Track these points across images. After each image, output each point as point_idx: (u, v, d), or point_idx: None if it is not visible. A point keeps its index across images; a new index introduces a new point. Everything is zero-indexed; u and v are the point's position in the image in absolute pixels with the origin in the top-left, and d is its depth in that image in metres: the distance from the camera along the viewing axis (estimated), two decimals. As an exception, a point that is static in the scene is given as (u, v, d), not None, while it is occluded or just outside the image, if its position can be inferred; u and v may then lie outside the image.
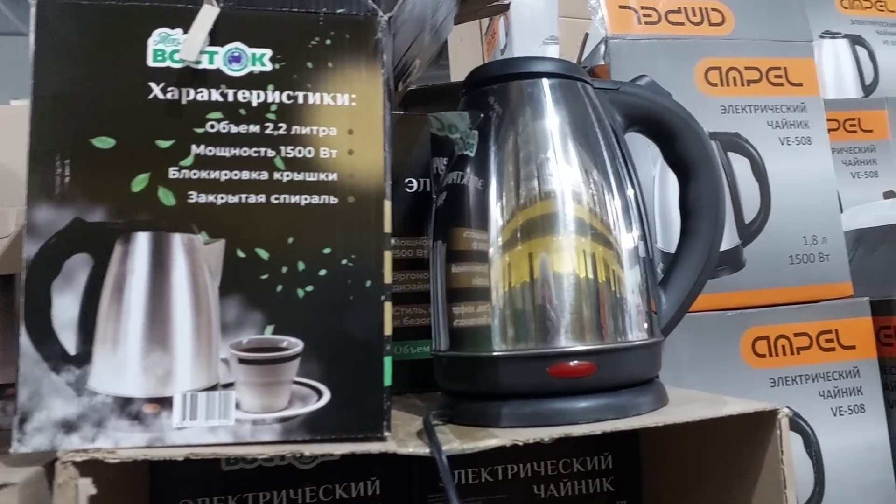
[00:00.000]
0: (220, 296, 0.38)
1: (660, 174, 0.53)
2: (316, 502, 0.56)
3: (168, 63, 0.39)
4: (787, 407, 0.58)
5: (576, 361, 0.42)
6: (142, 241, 0.38)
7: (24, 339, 0.36)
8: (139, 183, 0.38)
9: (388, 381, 0.39)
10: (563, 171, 0.46)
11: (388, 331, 0.39)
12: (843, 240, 0.63)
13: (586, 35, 0.64)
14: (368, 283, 0.39)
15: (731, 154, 0.61)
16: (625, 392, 0.44)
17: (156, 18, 0.39)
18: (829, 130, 0.82)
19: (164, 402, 0.37)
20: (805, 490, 0.58)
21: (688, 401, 0.47)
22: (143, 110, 0.38)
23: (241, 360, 0.38)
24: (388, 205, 0.40)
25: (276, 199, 0.39)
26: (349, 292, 0.39)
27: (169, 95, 0.39)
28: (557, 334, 0.42)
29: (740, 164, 0.61)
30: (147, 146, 0.38)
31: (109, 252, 0.38)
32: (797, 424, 0.58)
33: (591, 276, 0.44)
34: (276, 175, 0.39)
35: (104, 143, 0.38)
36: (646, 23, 0.61)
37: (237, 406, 0.38)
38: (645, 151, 0.57)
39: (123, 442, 0.37)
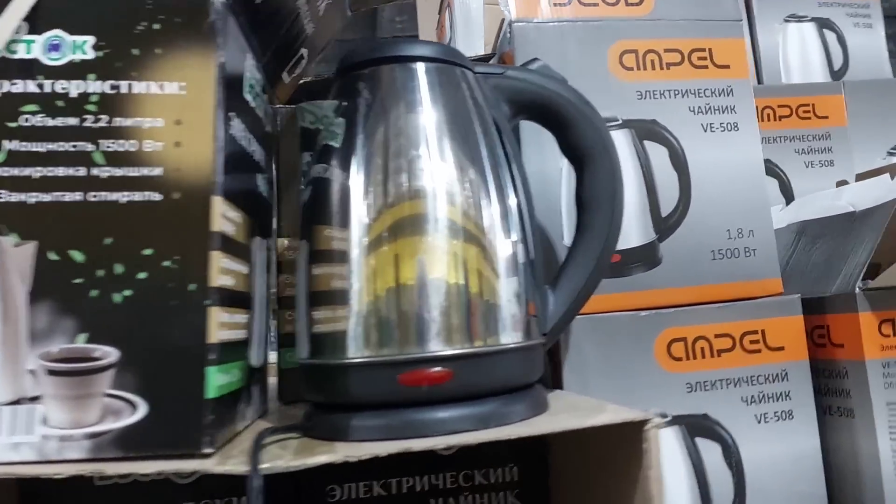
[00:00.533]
0: (29, 302, 0.35)
1: (568, 164, 0.49)
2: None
3: (-23, 52, 0.36)
4: (705, 414, 0.55)
5: (431, 368, 0.39)
6: (-57, 244, 0.35)
7: None
8: (-59, 181, 0.35)
9: (211, 392, 0.36)
10: (434, 166, 0.42)
11: (212, 338, 0.36)
12: (773, 233, 0.58)
13: (502, 21, 0.60)
14: (192, 287, 0.36)
15: (647, 143, 0.57)
16: (491, 401, 0.41)
17: (-38, 4, 0.36)
18: (782, 117, 0.79)
19: (-35, 417, 0.35)
20: (725, 502, 0.54)
21: (569, 409, 0.44)
22: (-53, 103, 0.36)
23: (50, 372, 0.35)
24: (217, 201, 0.37)
25: (94, 196, 0.36)
26: (171, 297, 0.36)
27: (-24, 88, 0.36)
28: (410, 340, 0.39)
29: (658, 153, 0.58)
30: (-49, 141, 0.35)
31: None
32: (714, 433, 0.55)
33: (452, 278, 0.40)
34: (95, 171, 0.36)
35: None
36: (555, 4, 0.57)
37: (44, 421, 0.35)
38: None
39: (-77, 458, 0.34)
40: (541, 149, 0.55)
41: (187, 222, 0.36)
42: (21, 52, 0.36)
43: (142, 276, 0.36)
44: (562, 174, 0.56)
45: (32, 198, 0.36)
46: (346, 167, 0.42)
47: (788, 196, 0.78)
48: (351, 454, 0.35)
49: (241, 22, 0.41)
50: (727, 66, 0.60)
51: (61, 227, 0.36)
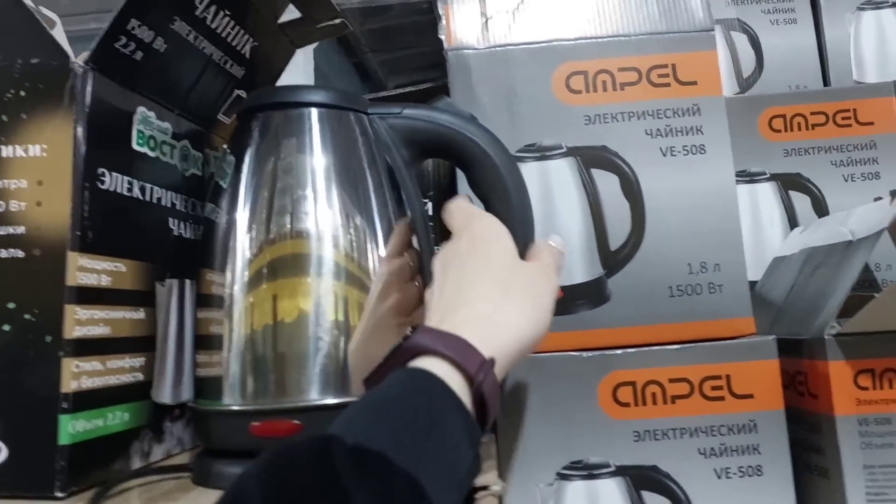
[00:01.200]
0: None
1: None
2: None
3: None
4: (654, 465, 0.50)
5: (282, 419, 0.39)
6: None
7: None
8: None
9: (63, 439, 0.38)
10: (317, 208, 0.42)
11: (65, 388, 0.38)
12: (744, 267, 0.52)
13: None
14: (49, 339, 0.39)
15: (595, 171, 0.53)
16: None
17: None
18: (815, 126, 0.70)
19: None
20: (675, 567, 0.49)
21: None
22: None
23: (-74, 414, 0.39)
24: (73, 256, 0.39)
25: (-34, 254, 0.40)
26: (30, 347, 0.39)
27: None
28: (265, 391, 0.39)
29: (609, 182, 0.53)
30: None
31: None
32: (664, 486, 0.49)
33: (310, 326, 0.40)
34: (-33, 230, 0.40)
35: None
36: (493, 31, 0.55)
37: (-81, 460, 0.39)
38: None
39: None
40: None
41: (45, 278, 0.39)
42: None
43: (6, 328, 0.39)
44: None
45: (-89, 255, 0.40)
46: (231, 207, 0.43)
47: (823, 215, 0.70)
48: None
49: (123, 80, 0.44)
50: (693, 83, 0.54)
51: (-62, 281, 0.39)
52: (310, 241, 0.41)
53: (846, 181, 0.70)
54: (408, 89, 0.66)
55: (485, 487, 0.35)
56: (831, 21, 0.85)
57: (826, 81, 0.83)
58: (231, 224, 0.43)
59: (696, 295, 0.52)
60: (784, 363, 0.51)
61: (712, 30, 0.55)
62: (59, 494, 0.38)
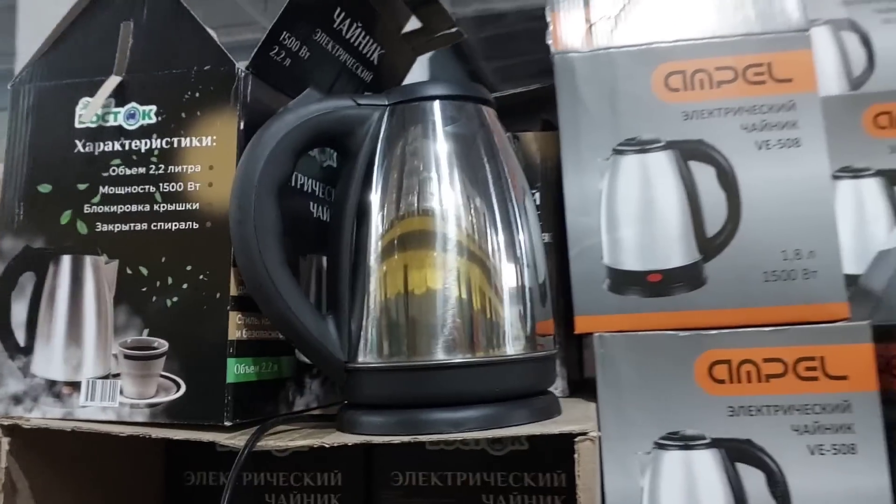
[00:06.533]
0: (114, 305, 0.48)
1: (607, 183, 0.52)
2: (287, 487, 0.63)
3: (87, 124, 0.50)
4: (748, 439, 0.53)
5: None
6: (65, 263, 0.50)
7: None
8: (65, 217, 0.50)
9: (230, 378, 0.46)
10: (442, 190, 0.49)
11: (231, 336, 0.46)
12: (839, 254, 0.54)
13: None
14: (218, 295, 0.47)
15: (692, 163, 0.57)
16: (500, 405, 0.46)
17: (82, 90, 0.51)
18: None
19: (76, 386, 0.48)
20: (769, 535, 0.52)
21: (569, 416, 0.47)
22: (70, 162, 0.50)
23: (126, 356, 0.48)
24: (240, 228, 0.47)
25: (155, 226, 0.48)
26: (204, 303, 0.47)
27: (87, 149, 0.50)
28: (398, 351, 0.46)
29: (706, 173, 0.57)
30: (71, 189, 0.50)
31: (45, 270, 0.50)
32: (758, 459, 0.52)
33: (437, 295, 0.46)
34: (156, 207, 0.49)
35: (45, 188, 0.51)
36: (597, 34, 0.60)
37: (121, 392, 0.48)
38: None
39: (49, 413, 0.49)
40: (580, 169, 0.58)
41: (215, 245, 0.47)
42: (111, 121, 0.50)
43: (185, 286, 0.47)
44: (601, 195, 0.58)
45: (116, 228, 0.49)
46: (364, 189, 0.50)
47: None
48: (343, 440, 0.43)
49: (275, 83, 0.52)
50: (789, 80, 0.57)
51: (134, 249, 0.48)
52: (434, 219, 0.47)
53: (955, 177, 0.69)
54: (519, 90, 0.71)
55: (584, 433, 0.39)
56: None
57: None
58: (367, 204, 0.49)
59: (791, 280, 0.55)
60: (880, 348, 0.52)
61: (808, 30, 0.58)
62: (227, 423, 0.45)
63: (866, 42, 0.83)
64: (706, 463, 0.53)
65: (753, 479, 0.52)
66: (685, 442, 0.53)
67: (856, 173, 0.70)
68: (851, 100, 0.71)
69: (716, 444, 0.53)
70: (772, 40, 0.58)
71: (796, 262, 0.55)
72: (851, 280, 0.66)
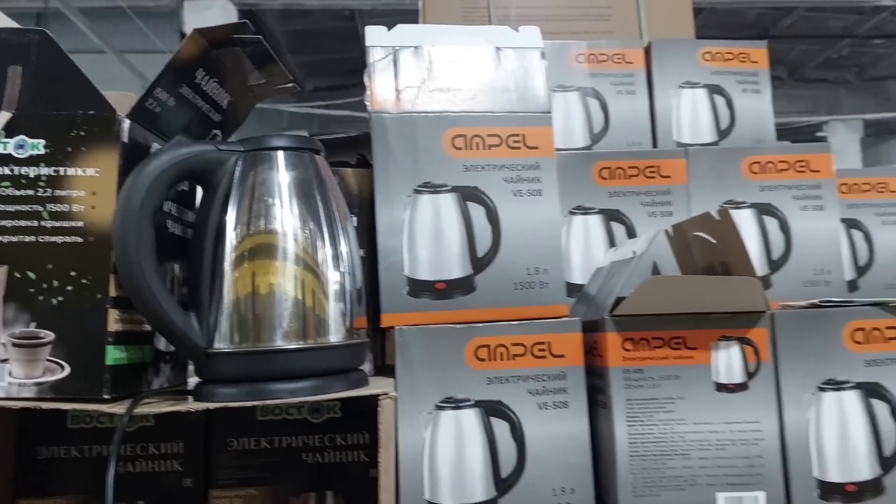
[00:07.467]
0: (3, 303, 0.58)
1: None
2: (134, 455, 0.75)
3: (-18, 152, 0.59)
4: (499, 400, 0.74)
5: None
6: (-38, 264, 0.59)
7: None
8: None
9: (109, 361, 0.58)
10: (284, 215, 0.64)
11: (111, 328, 0.59)
12: (562, 272, 0.78)
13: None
14: (99, 296, 0.59)
15: (469, 203, 0.78)
16: (324, 378, 0.62)
17: (-25, 122, 0.60)
18: (631, 176, 0.97)
19: (-24, 369, 0.58)
20: (511, 466, 0.73)
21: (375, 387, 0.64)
22: (-32, 183, 0.59)
23: (14, 344, 0.58)
24: (119, 243, 0.59)
25: (43, 239, 0.59)
26: (87, 301, 0.59)
27: (-17, 173, 0.59)
28: (246, 338, 0.61)
29: (478, 211, 0.78)
30: (-32, 205, 0.59)
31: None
32: (505, 414, 0.74)
33: (276, 295, 0.62)
34: (43, 223, 0.59)
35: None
36: (404, 100, 0.79)
37: (10, 374, 0.58)
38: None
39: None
40: (389, 203, 0.76)
41: (97, 256, 0.59)
42: (0, 149, 0.60)
43: (69, 288, 0.59)
44: (404, 223, 0.76)
45: (6, 239, 0.59)
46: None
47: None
48: (205, 406, 0.57)
49: (146, 125, 0.64)
50: (536, 147, 0.80)
51: (23, 257, 0.59)
52: (277, 236, 0.63)
53: (650, 216, 0.97)
54: (342, 134, 0.89)
55: (386, 394, 0.58)
56: (661, 94, 1.13)
57: (655, 142, 1.11)
58: (223, 224, 0.64)
59: (532, 289, 0.77)
60: (587, 336, 0.76)
61: (549, 112, 0.81)
62: (107, 397, 0.57)
63: (604, 107, 1.10)
64: (471, 418, 0.74)
65: (502, 428, 0.74)
66: (456, 404, 0.73)
67: (585, 211, 0.96)
68: (584, 157, 0.97)
69: (477, 404, 0.74)
70: (526, 118, 0.80)
71: (535, 277, 0.78)
72: (579, 288, 0.92)
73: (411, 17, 1.24)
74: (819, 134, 7.43)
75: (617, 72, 1.10)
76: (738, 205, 0.95)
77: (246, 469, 0.75)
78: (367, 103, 0.79)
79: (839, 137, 7.57)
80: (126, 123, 0.61)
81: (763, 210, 0.95)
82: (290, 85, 0.77)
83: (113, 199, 0.59)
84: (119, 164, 0.60)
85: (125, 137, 0.61)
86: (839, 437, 0.74)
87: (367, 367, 0.80)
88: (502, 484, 0.72)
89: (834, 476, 0.73)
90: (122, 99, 0.66)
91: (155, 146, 0.66)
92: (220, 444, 0.76)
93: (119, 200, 0.58)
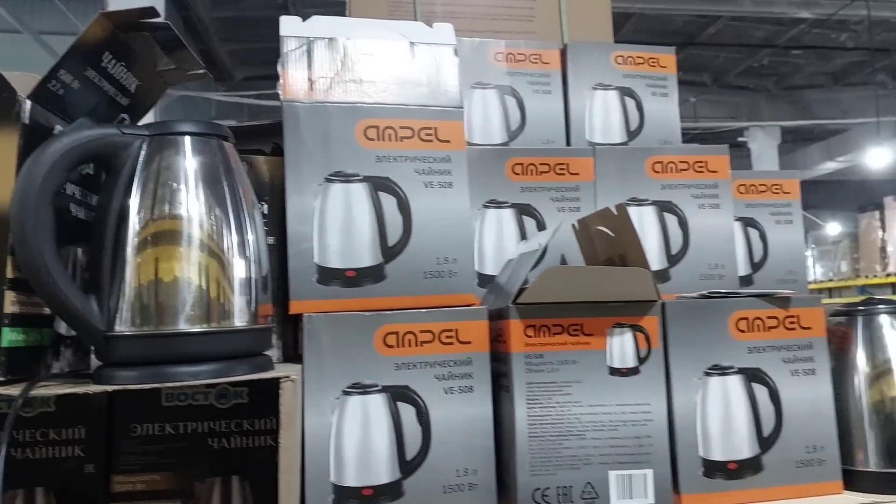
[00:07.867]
0: None
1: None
2: (33, 441, 0.74)
3: None
4: (406, 385, 0.76)
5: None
6: None
7: None
8: None
9: (4, 343, 0.58)
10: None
11: (7, 310, 0.58)
12: (472, 262, 0.81)
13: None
14: (-6, 277, 0.58)
15: (381, 193, 0.80)
16: (228, 361, 0.63)
17: None
18: (542, 172, 1.01)
19: None
20: (416, 449, 0.75)
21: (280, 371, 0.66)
22: None
23: None
24: (14, 225, 0.59)
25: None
26: (-18, 283, 0.58)
27: None
28: (149, 321, 0.61)
29: (390, 202, 0.80)
30: None
31: None
32: (411, 399, 0.76)
33: (180, 281, 0.62)
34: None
35: None
36: (316, 90, 0.80)
37: None
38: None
39: None
40: (300, 191, 0.77)
41: (-5, 238, 0.58)
42: None
43: (-36, 270, 0.58)
44: (315, 210, 0.78)
45: None
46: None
47: (545, 233, 1.00)
48: (104, 389, 0.57)
49: (49, 107, 0.64)
50: (448, 141, 0.82)
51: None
52: (181, 221, 0.63)
53: (559, 211, 1.01)
54: (255, 123, 0.89)
55: (287, 377, 0.59)
56: (575, 94, 1.17)
57: (569, 140, 1.15)
58: (126, 208, 0.64)
59: (441, 278, 0.80)
60: (493, 324, 0.80)
61: (461, 107, 0.84)
62: (2, 378, 0.57)
63: (521, 105, 1.14)
64: (378, 403, 0.76)
65: (408, 412, 0.76)
66: (363, 389, 0.75)
67: (498, 205, 0.99)
68: (498, 152, 1.00)
69: (385, 389, 0.76)
70: (439, 112, 0.83)
71: (445, 266, 0.80)
72: (491, 279, 0.95)
73: (343, 9, 1.24)
74: (740, 139, 7.79)
75: (534, 71, 1.13)
76: (640, 202, 0.99)
77: (150, 455, 0.75)
78: (280, 92, 0.80)
79: (759, 143, 7.95)
80: (27, 104, 0.60)
81: (664, 207, 1.00)
82: (201, 72, 0.77)
83: (11, 181, 0.59)
84: (19, 146, 0.59)
85: (26, 119, 0.60)
86: (723, 418, 0.79)
87: (274, 353, 0.81)
88: (407, 466, 0.75)
89: (717, 455, 0.79)
90: (26, 80, 0.65)
91: (58, 128, 0.65)
92: (123, 430, 0.75)
93: (18, 181, 0.57)
